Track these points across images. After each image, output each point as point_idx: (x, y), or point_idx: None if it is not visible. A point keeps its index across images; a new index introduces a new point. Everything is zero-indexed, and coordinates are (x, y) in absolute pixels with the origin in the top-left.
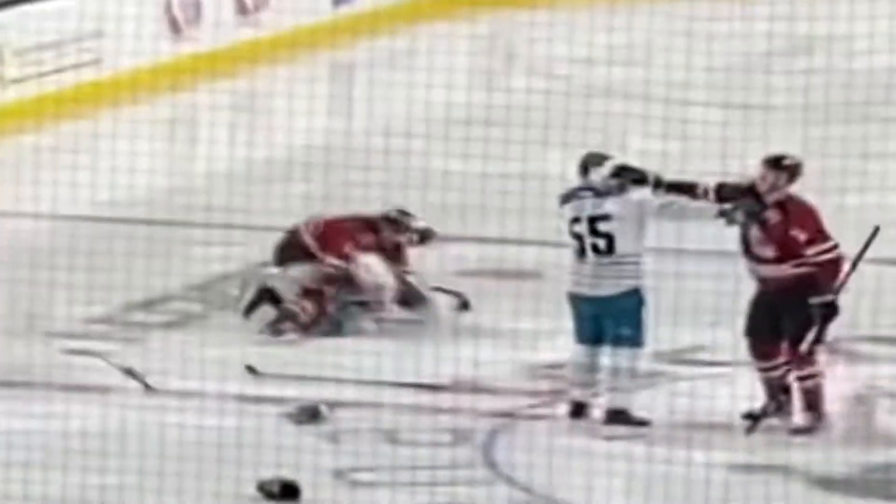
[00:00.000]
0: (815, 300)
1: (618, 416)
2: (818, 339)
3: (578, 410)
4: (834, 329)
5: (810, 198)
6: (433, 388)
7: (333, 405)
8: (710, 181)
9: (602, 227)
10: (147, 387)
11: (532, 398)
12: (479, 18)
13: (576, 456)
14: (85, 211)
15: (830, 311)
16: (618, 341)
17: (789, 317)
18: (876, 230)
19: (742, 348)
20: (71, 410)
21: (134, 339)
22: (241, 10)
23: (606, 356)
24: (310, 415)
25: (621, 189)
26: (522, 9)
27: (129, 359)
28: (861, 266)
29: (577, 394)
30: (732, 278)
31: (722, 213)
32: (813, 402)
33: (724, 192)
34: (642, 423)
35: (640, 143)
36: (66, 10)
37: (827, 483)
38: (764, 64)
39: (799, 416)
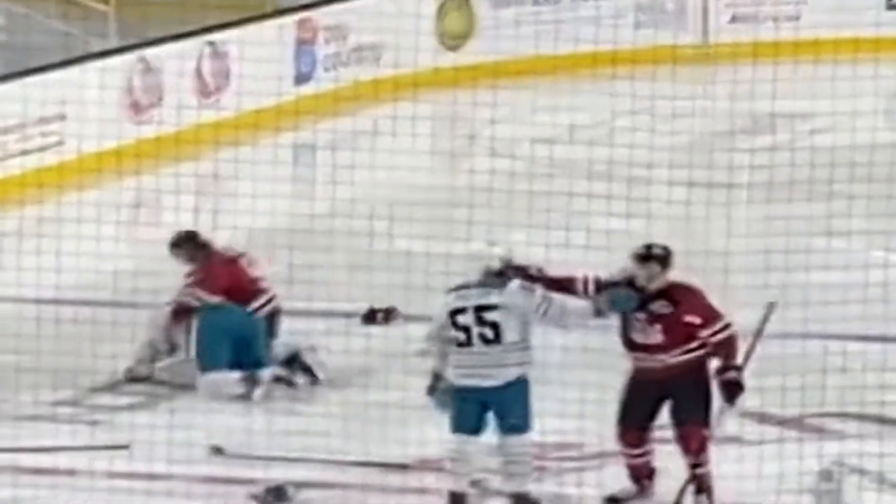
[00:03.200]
0: (722, 378)
1: (522, 501)
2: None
3: (458, 502)
4: (801, 406)
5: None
6: (400, 467)
7: (300, 486)
8: (591, 273)
9: (489, 316)
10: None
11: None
12: (440, 100)
13: None
14: (50, 295)
15: (737, 388)
16: (506, 429)
17: (684, 403)
18: (771, 306)
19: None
20: (39, 495)
21: (101, 422)
22: (203, 92)
23: (498, 445)
24: (277, 496)
25: (502, 282)
26: (484, 89)
27: (97, 442)
28: (829, 344)
29: (457, 485)
30: None
31: (598, 312)
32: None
33: (602, 286)
34: None
35: (603, 223)
36: (28, 93)
37: None
38: (727, 142)
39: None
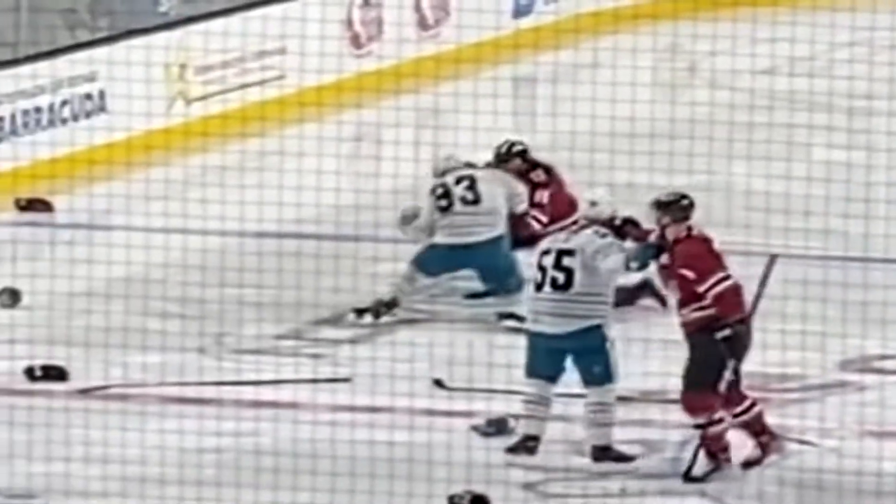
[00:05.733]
0: (719, 335)
1: (603, 453)
2: (735, 379)
3: (528, 445)
4: None
5: None
6: (623, 399)
7: (521, 418)
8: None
9: (566, 261)
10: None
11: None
12: (660, 31)
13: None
14: (271, 229)
15: (738, 344)
16: (589, 379)
17: (691, 365)
18: (773, 258)
19: None
20: (261, 427)
21: (322, 356)
22: (423, 25)
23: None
24: (498, 428)
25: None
26: (704, 21)
27: (319, 375)
28: None
29: (530, 428)
30: None
31: (627, 265)
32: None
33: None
34: (628, 458)
35: (824, 154)
36: (248, 27)
37: None
38: None
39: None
